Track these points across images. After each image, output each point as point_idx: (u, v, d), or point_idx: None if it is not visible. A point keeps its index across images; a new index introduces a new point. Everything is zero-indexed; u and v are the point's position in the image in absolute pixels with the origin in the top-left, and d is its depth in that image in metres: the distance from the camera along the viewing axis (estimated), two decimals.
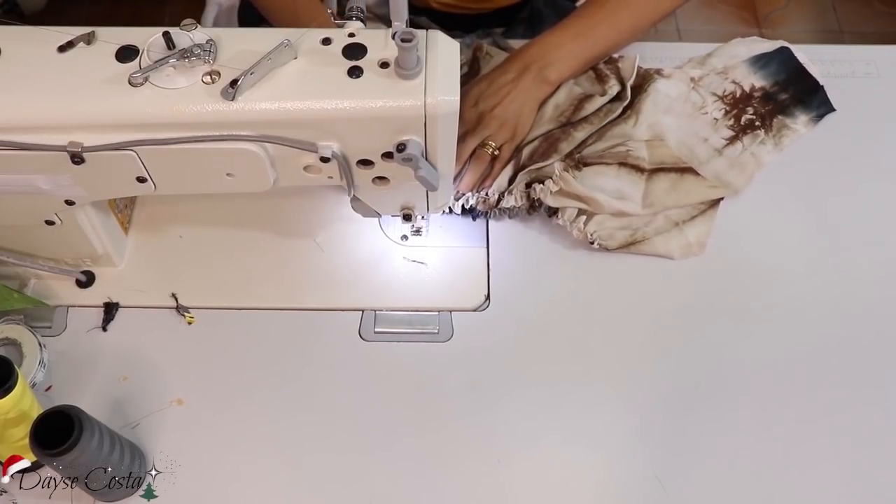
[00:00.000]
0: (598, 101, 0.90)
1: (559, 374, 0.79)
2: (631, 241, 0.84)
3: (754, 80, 0.95)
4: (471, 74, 0.94)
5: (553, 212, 0.85)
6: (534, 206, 0.85)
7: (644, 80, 0.93)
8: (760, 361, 0.80)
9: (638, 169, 0.86)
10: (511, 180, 0.86)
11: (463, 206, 0.86)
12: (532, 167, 0.85)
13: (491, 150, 0.85)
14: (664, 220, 0.86)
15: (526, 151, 0.87)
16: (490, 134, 0.86)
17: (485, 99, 0.87)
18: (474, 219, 0.87)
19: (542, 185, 0.84)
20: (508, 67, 0.89)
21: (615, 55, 0.95)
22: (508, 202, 0.85)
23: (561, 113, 0.90)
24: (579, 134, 0.88)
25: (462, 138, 0.85)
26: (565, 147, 0.87)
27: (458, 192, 0.86)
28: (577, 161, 0.85)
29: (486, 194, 0.85)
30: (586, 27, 0.90)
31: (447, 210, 0.86)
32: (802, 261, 0.86)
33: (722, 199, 0.87)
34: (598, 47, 0.91)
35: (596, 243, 0.83)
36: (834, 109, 0.94)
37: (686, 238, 0.85)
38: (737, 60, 0.97)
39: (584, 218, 0.84)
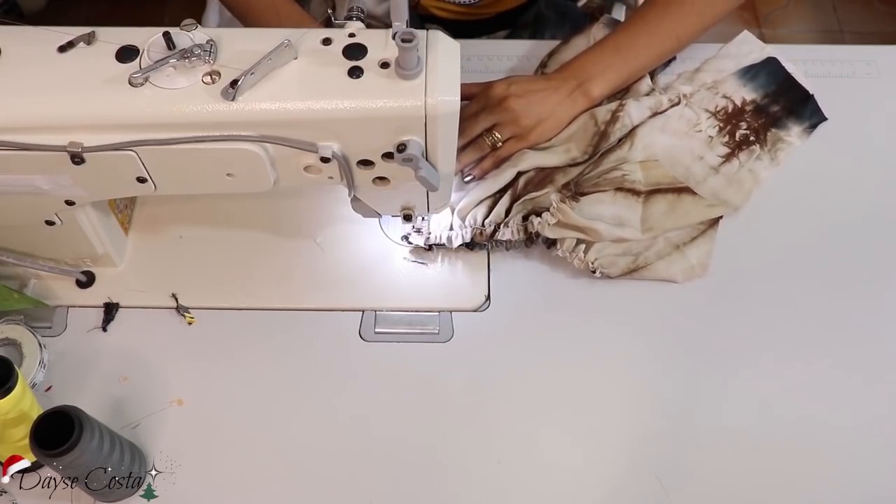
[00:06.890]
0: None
1: (559, 374, 0.79)
2: (633, 267, 0.83)
3: (745, 94, 0.94)
4: None
5: (551, 243, 0.84)
6: (531, 239, 0.84)
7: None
8: (761, 366, 0.80)
9: (634, 192, 0.85)
10: (507, 211, 0.85)
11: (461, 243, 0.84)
12: (526, 197, 0.84)
13: (492, 141, 0.85)
14: (665, 243, 0.85)
15: (521, 181, 0.86)
16: (501, 122, 0.85)
17: (515, 84, 0.86)
18: (471, 248, 0.84)
19: (539, 218, 0.83)
20: (551, 76, 0.88)
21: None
22: (504, 234, 0.83)
23: (583, 152, 0.88)
24: (574, 167, 0.87)
25: (476, 115, 0.85)
26: (561, 178, 0.86)
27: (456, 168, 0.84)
28: (573, 192, 0.84)
29: (483, 225, 0.83)
30: (625, 40, 0.89)
31: (443, 245, 0.84)
32: (807, 271, 0.85)
33: (721, 217, 0.86)
34: (638, 60, 0.89)
35: (598, 272, 0.83)
36: (826, 118, 0.93)
37: (688, 261, 0.84)
38: (725, 74, 0.96)
39: (583, 247, 0.83)
